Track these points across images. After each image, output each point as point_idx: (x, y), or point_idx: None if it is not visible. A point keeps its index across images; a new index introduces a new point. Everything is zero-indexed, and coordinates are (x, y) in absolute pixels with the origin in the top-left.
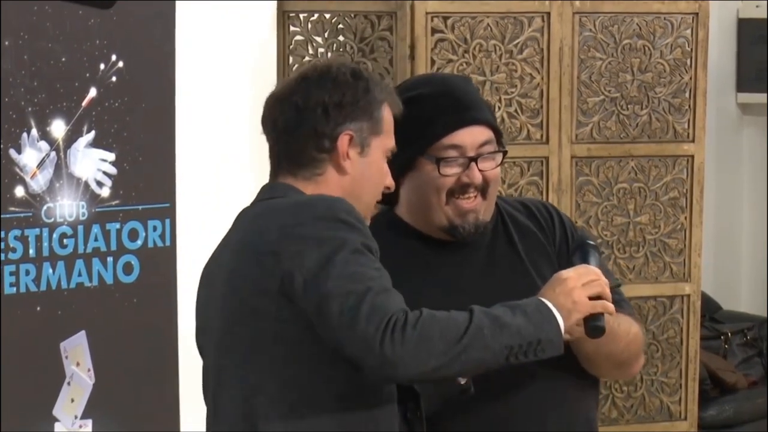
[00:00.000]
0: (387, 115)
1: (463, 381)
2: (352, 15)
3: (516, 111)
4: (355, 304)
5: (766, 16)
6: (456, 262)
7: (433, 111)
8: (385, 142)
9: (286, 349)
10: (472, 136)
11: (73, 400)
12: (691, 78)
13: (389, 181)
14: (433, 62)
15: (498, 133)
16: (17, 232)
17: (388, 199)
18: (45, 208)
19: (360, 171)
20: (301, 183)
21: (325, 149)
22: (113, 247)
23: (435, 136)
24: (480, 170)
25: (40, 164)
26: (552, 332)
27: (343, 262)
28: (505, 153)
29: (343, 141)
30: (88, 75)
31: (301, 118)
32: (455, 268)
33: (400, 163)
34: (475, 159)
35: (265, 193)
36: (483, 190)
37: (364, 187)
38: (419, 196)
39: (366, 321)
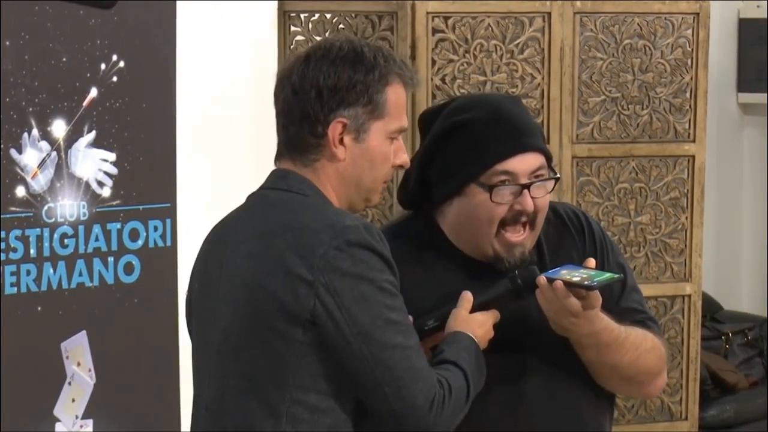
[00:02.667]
0: (393, 96)
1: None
2: (353, 15)
3: None
4: (399, 362)
5: (766, 17)
6: (488, 283)
7: (485, 137)
8: (389, 124)
9: (302, 373)
10: (525, 163)
11: (73, 400)
12: (691, 78)
13: (401, 160)
14: (434, 62)
15: (549, 158)
16: (18, 232)
17: (425, 207)
18: (46, 208)
19: (357, 156)
20: (300, 169)
21: (319, 134)
22: (114, 247)
23: (487, 163)
24: (531, 197)
25: (41, 164)
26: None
27: (380, 304)
28: (557, 180)
29: (334, 128)
30: (88, 75)
31: (296, 101)
32: (487, 289)
33: (450, 188)
34: (528, 186)
35: (280, 181)
36: (532, 220)
37: (364, 173)
38: (468, 222)
39: (413, 385)
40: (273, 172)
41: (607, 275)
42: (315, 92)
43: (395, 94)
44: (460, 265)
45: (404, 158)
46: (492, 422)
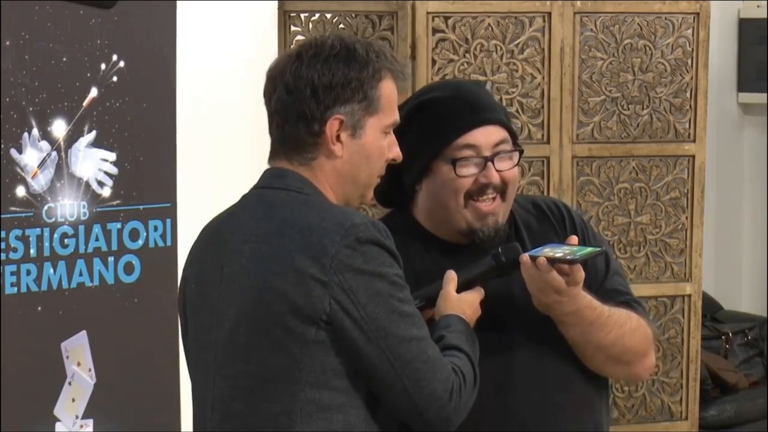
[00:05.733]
0: (386, 91)
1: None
2: (353, 15)
3: (517, 111)
4: (417, 355)
5: (766, 16)
6: (468, 263)
7: (446, 113)
8: (383, 119)
9: (315, 372)
10: (487, 135)
11: (74, 400)
12: (692, 78)
13: (394, 153)
14: (434, 62)
15: (513, 134)
16: (18, 232)
17: (402, 201)
18: (46, 207)
19: (354, 152)
20: (297, 168)
21: (315, 133)
22: (114, 247)
23: (449, 138)
24: (497, 170)
25: (41, 164)
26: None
27: (393, 298)
28: (521, 152)
29: (331, 125)
30: (89, 75)
31: (291, 100)
32: (470, 267)
33: (417, 169)
34: (491, 158)
35: (277, 180)
36: (502, 191)
37: (360, 169)
38: (437, 200)
39: (432, 376)
40: (268, 171)
41: (589, 249)
42: (310, 91)
43: (388, 89)
44: (438, 250)
45: (397, 152)
46: (480, 398)
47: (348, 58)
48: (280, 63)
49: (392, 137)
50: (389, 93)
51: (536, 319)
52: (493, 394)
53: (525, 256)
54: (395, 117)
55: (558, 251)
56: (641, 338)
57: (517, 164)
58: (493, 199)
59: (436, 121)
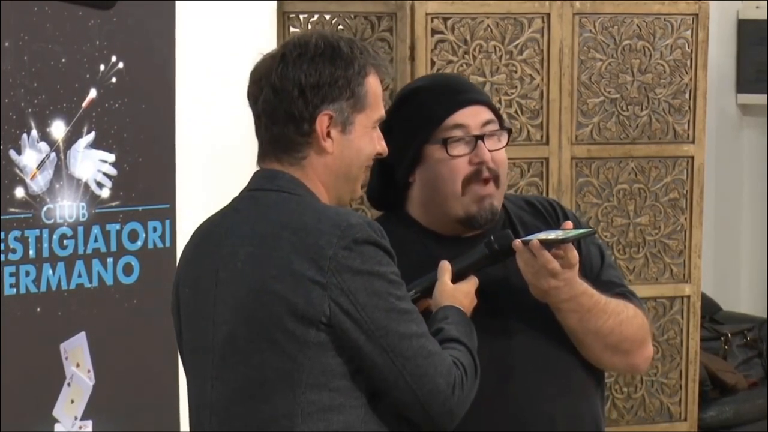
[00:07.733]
0: (372, 87)
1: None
2: (352, 16)
3: (516, 112)
4: (418, 351)
5: (766, 17)
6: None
7: (431, 98)
8: (371, 115)
9: (314, 373)
10: (474, 115)
11: (73, 401)
12: (691, 79)
13: (381, 147)
14: (433, 63)
15: (498, 116)
16: (17, 233)
17: (395, 202)
18: (45, 209)
19: (345, 147)
20: (288, 168)
21: (305, 132)
22: (113, 248)
23: (437, 120)
24: (488, 150)
25: (40, 165)
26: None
27: (392, 296)
28: (510, 131)
29: (321, 121)
30: (88, 76)
31: (278, 101)
32: (463, 256)
33: (409, 159)
34: (481, 137)
35: (268, 182)
36: (495, 176)
37: (352, 163)
38: (433, 187)
39: (434, 371)
40: (258, 173)
41: (581, 231)
42: (298, 91)
43: (374, 85)
44: (434, 242)
45: (384, 146)
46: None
47: (333, 57)
48: (264, 64)
49: (378, 131)
50: (375, 89)
51: (533, 306)
52: (490, 381)
53: (518, 241)
54: (381, 112)
55: (551, 234)
56: (638, 327)
57: (506, 145)
58: (489, 180)
59: (422, 107)
